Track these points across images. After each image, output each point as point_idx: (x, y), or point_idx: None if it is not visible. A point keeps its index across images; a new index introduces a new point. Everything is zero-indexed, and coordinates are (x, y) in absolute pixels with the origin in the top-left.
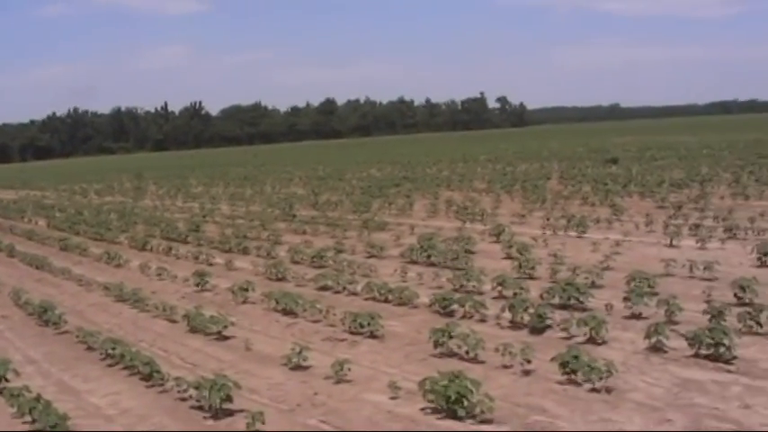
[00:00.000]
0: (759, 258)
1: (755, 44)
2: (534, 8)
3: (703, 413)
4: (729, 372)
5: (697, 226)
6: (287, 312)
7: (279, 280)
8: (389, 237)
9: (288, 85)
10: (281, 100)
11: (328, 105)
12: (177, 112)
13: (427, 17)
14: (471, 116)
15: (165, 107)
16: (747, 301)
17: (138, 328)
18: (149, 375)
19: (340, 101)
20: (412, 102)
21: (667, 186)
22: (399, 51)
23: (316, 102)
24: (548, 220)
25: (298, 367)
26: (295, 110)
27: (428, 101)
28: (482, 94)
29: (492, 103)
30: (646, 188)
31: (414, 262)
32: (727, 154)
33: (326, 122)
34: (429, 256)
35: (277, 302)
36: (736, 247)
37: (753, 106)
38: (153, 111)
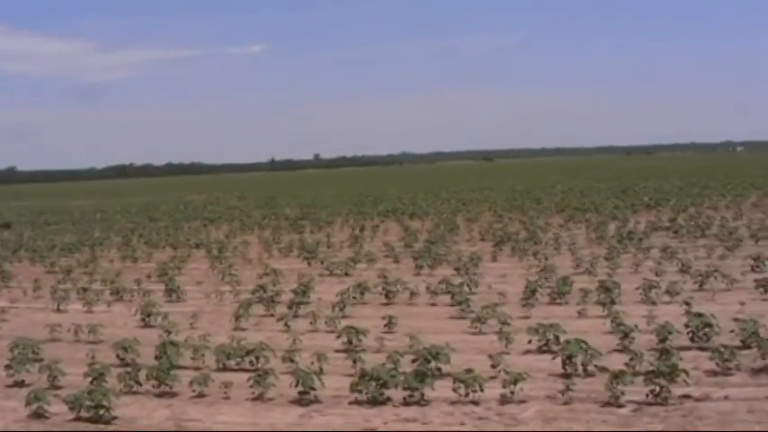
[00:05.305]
0: (143, 319)
1: (148, 109)
2: None
3: None
4: None
5: (85, 290)
6: None
7: None
8: None
9: None
10: None
11: None
12: None
13: None
14: None
15: None
16: (129, 361)
17: None
18: None
19: None
20: None
21: (58, 251)
22: None
23: None
24: None
25: None
26: None
27: None
28: None
29: None
30: (36, 253)
31: None
32: (120, 217)
33: None
34: None
35: None
36: (123, 308)
37: (149, 170)
38: None
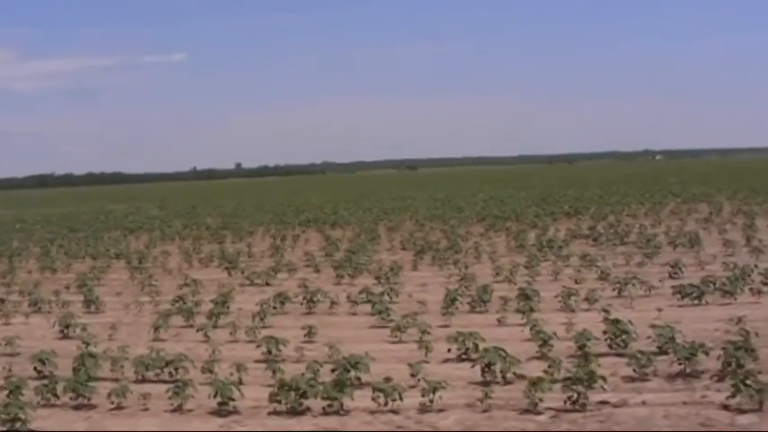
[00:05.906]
0: (61, 331)
1: (69, 118)
2: None
3: None
4: None
5: (2, 301)
6: None
7: None
8: None
9: None
10: None
11: None
12: None
13: None
14: None
15: None
16: (47, 373)
17: None
18: None
19: None
20: None
21: None
22: None
23: None
24: None
25: None
26: None
27: None
28: None
29: None
30: None
31: None
32: (39, 227)
33: None
34: None
35: None
36: (41, 320)
37: (70, 180)
38: None
